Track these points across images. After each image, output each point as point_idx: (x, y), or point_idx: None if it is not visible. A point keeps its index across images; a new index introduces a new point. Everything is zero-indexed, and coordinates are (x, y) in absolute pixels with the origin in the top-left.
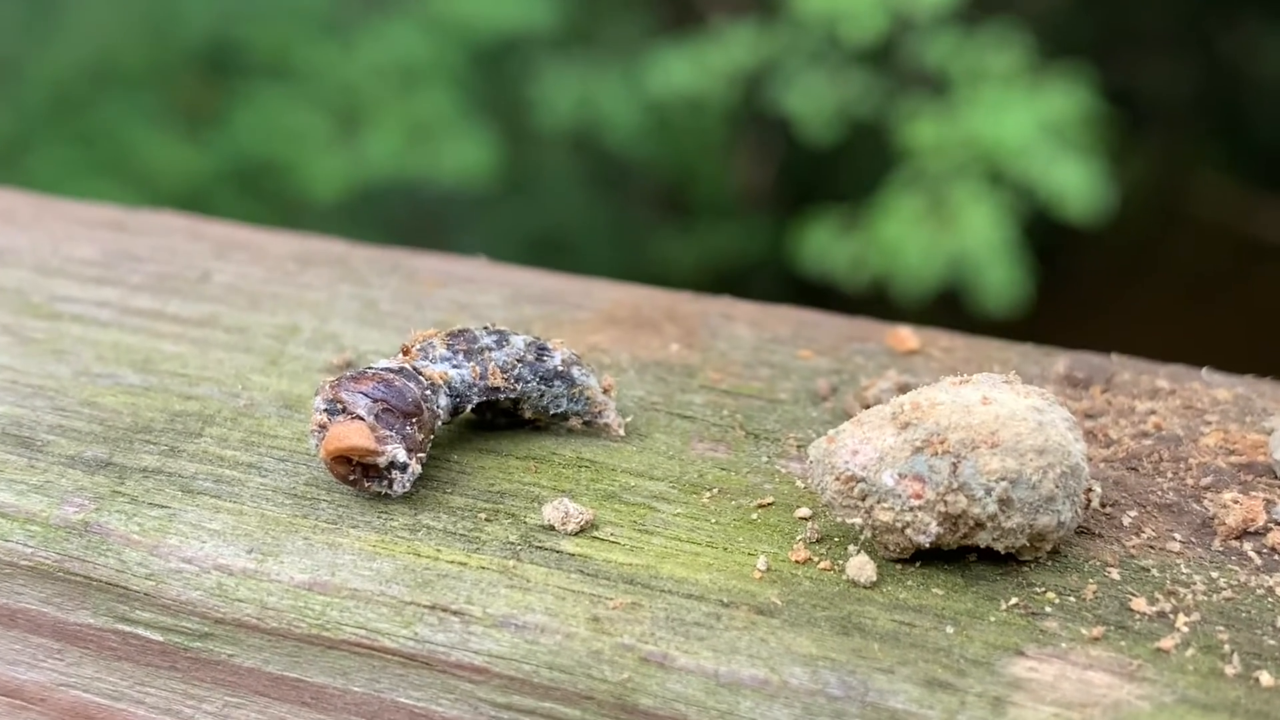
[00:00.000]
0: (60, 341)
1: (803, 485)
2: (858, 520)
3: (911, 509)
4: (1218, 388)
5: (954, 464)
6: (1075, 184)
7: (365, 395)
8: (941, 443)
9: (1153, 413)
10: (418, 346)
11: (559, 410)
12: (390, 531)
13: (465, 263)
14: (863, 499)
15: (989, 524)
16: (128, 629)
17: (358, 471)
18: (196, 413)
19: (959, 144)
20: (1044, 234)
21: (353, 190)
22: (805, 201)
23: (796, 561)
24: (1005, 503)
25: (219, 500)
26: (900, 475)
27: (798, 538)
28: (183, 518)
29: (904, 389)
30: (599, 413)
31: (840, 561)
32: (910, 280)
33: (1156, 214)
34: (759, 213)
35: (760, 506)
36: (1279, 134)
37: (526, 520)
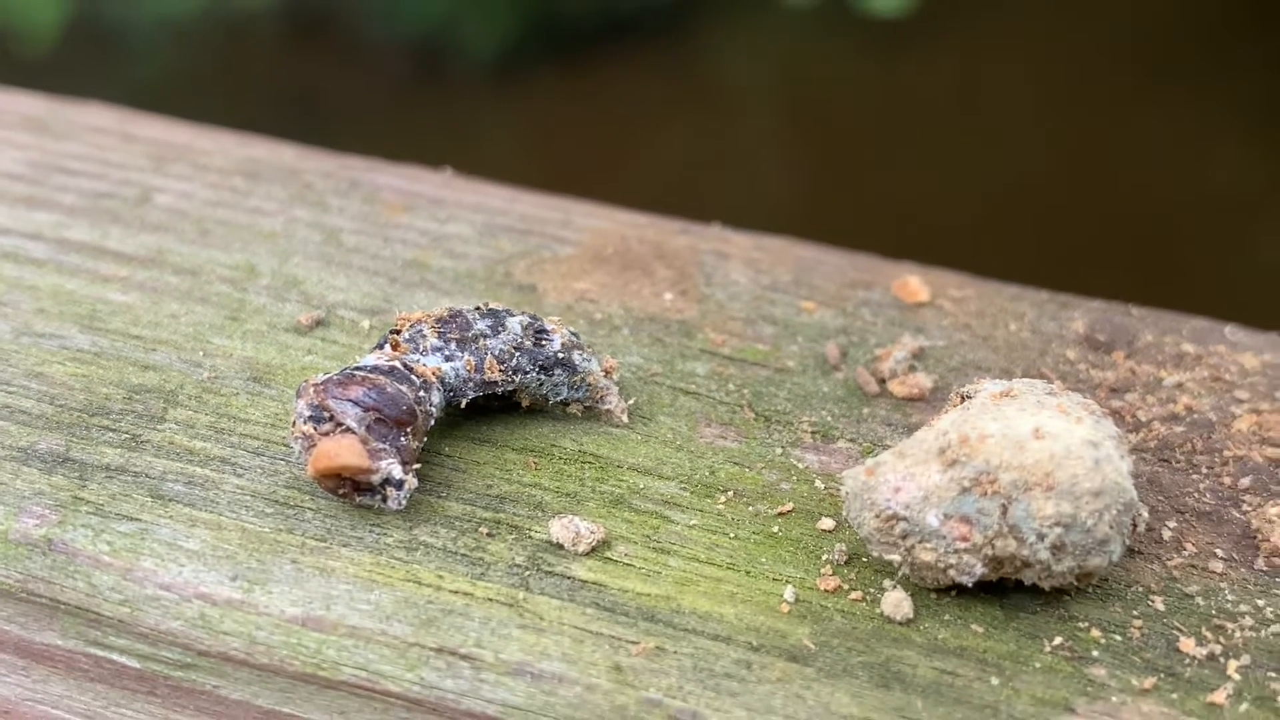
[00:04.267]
0: None
1: (823, 487)
2: (896, 558)
3: (957, 551)
4: (1244, 351)
5: (1004, 506)
6: None
7: (355, 404)
8: (992, 483)
9: (1180, 386)
10: (406, 336)
11: (559, 398)
12: (385, 551)
13: (430, 178)
14: (903, 538)
15: (1037, 565)
16: (101, 653)
17: (348, 486)
18: (156, 388)
19: None
20: None
21: None
22: None
23: (826, 591)
24: (1058, 548)
25: (193, 510)
26: (946, 516)
27: (824, 558)
28: (156, 534)
29: (919, 355)
30: (601, 398)
31: (872, 591)
32: None
33: None
34: None
35: (780, 515)
36: None
37: (532, 535)
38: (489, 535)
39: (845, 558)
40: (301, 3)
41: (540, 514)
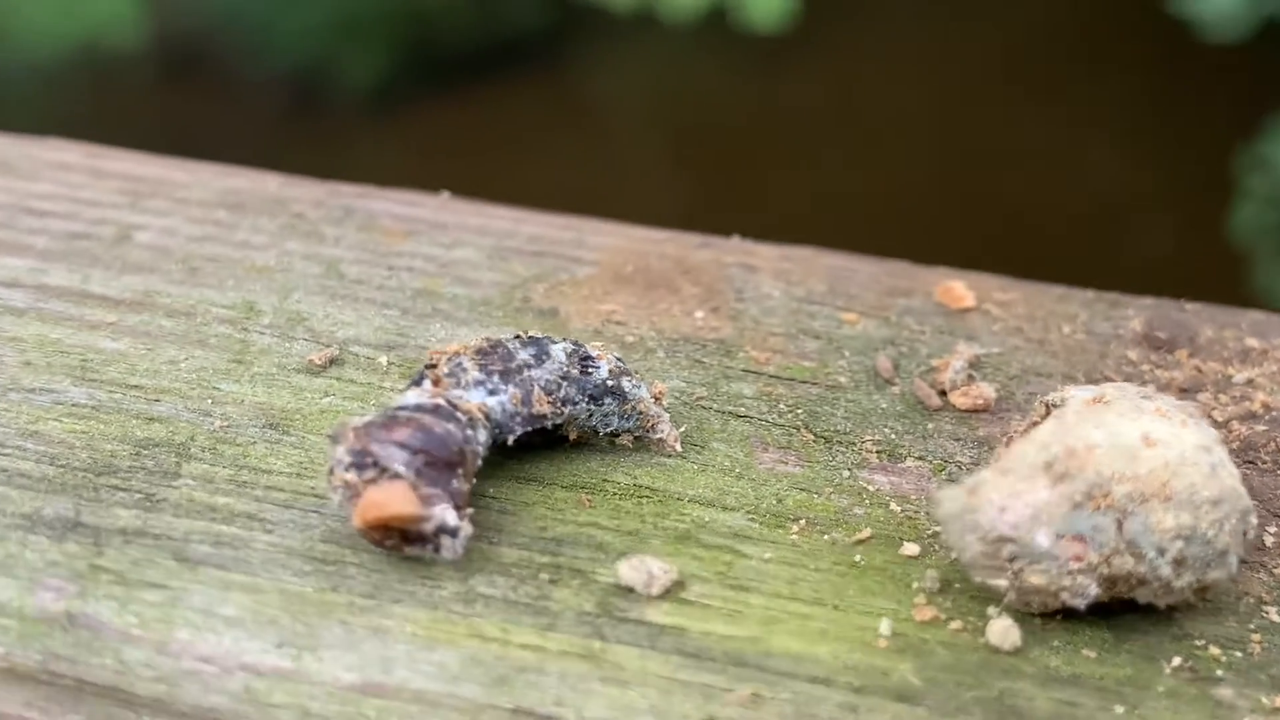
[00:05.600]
0: None
1: (899, 510)
2: (1002, 583)
3: (1070, 572)
4: None
5: (1119, 520)
6: None
7: (402, 447)
8: (1105, 496)
9: (1251, 383)
10: (446, 370)
11: (609, 429)
12: (442, 605)
13: (426, 201)
14: (1011, 560)
15: (1155, 583)
16: None
17: (396, 536)
18: (165, 441)
19: None
20: None
21: None
22: None
23: (923, 622)
24: (1179, 563)
25: (225, 572)
26: (1058, 535)
27: (914, 586)
28: (188, 601)
29: (975, 364)
30: (652, 427)
31: (972, 619)
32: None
33: None
34: None
35: (859, 543)
36: None
37: (597, 578)
38: (551, 582)
39: (938, 585)
40: (172, 42)
41: (603, 555)
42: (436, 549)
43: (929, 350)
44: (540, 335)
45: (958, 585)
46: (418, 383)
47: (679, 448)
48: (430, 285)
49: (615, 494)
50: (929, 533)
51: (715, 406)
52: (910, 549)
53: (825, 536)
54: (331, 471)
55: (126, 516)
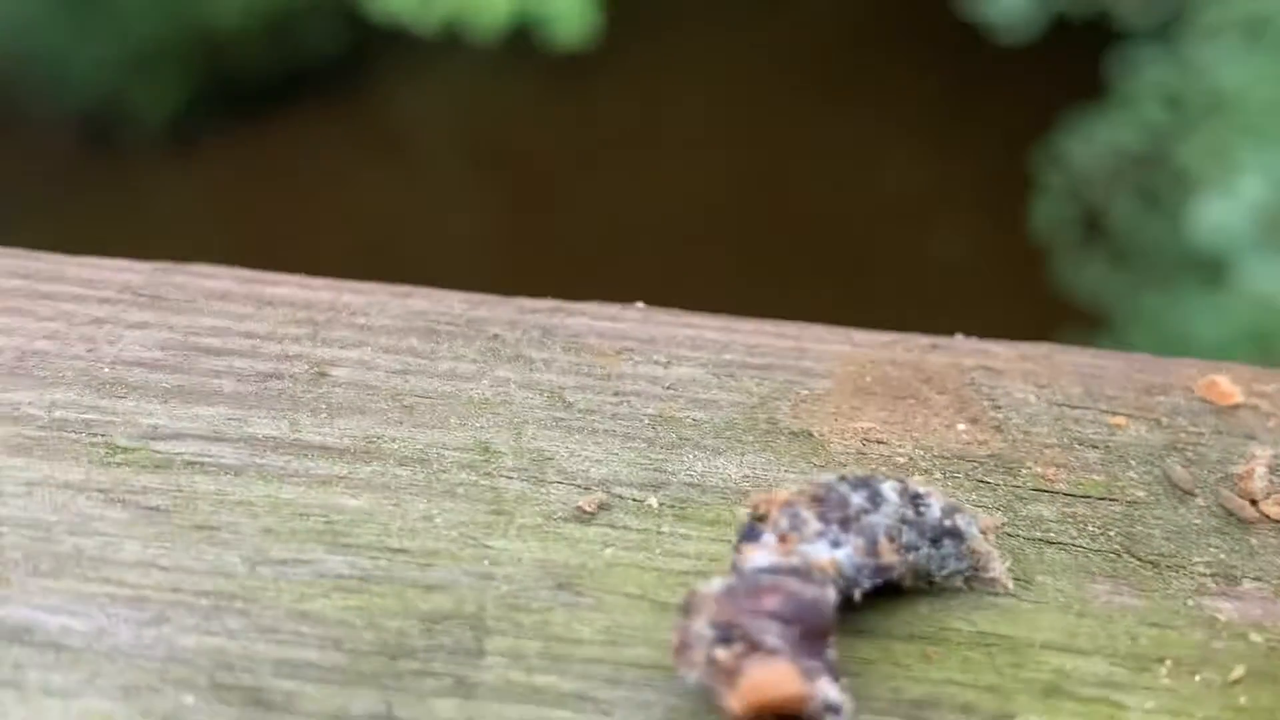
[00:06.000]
0: (195, 508)
1: (1261, 640)
2: None
3: None
4: None
5: None
6: None
7: (774, 618)
8: None
9: None
10: (786, 524)
11: (944, 572)
12: None
13: (629, 315)
14: None
15: None
16: None
17: (769, 717)
18: (454, 613)
19: None
20: None
21: None
22: None
23: None
24: None
25: None
26: None
27: None
28: None
29: (1275, 468)
30: (984, 565)
31: None
32: (483, 20)
33: None
34: None
35: (1235, 683)
36: None
37: None
38: None
39: None
40: None
41: (971, 717)
42: None
43: (1217, 455)
44: (866, 475)
45: None
46: (753, 538)
47: (1011, 586)
48: (665, 410)
49: (959, 644)
50: None
51: (1022, 534)
52: None
53: (1197, 678)
54: (688, 646)
55: (444, 707)
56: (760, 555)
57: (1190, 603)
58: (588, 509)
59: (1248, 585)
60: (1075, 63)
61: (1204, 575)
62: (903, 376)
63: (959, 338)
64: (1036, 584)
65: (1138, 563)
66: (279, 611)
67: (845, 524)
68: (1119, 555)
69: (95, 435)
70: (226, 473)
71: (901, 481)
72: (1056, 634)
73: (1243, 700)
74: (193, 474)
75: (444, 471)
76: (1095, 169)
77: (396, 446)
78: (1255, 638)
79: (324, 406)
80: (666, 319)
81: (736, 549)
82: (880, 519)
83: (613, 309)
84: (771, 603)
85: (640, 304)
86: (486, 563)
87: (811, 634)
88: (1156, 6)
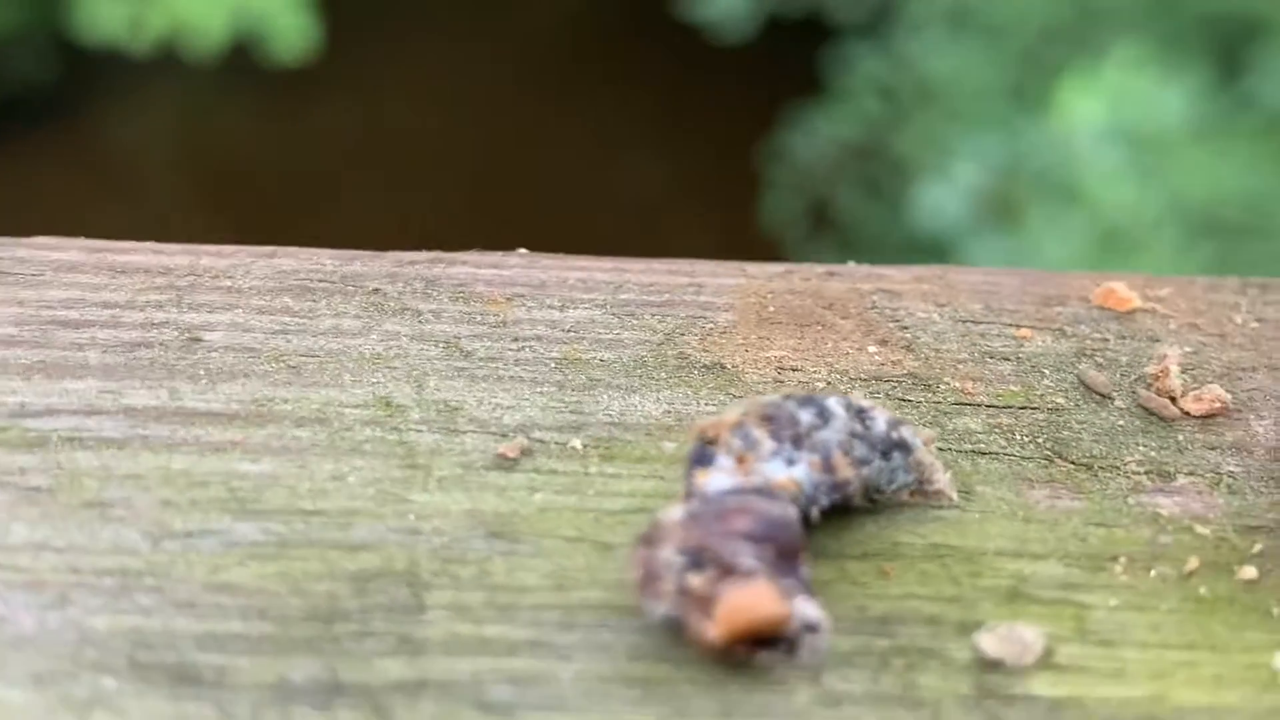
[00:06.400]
0: (81, 485)
1: (1208, 532)
2: None
3: None
4: None
5: None
6: None
7: (749, 539)
8: None
9: None
10: (740, 445)
11: (894, 486)
12: (806, 713)
13: (512, 261)
14: None
15: None
16: None
17: (747, 644)
18: (384, 571)
19: None
20: None
21: None
22: None
23: None
24: None
25: (550, 714)
26: None
27: (1275, 613)
28: None
29: (1188, 368)
30: (929, 478)
31: None
32: (198, 37)
33: None
34: None
35: (1191, 575)
36: None
37: (953, 656)
38: (908, 668)
39: None
40: None
41: (939, 629)
42: (792, 650)
43: (1126, 358)
44: (808, 393)
45: None
46: (706, 462)
47: (955, 497)
48: (569, 353)
49: (914, 558)
50: (1253, 552)
51: (954, 448)
52: (1248, 572)
53: (1152, 573)
54: (655, 578)
55: (394, 667)
56: (720, 478)
57: (1131, 501)
58: (510, 455)
59: (1182, 480)
60: (794, 60)
61: (1138, 474)
62: (804, 304)
63: (851, 265)
64: (977, 494)
65: (1071, 466)
66: (193, 585)
67: (798, 441)
68: (1051, 460)
69: None
70: (109, 447)
71: (845, 397)
72: (1007, 541)
73: (1202, 591)
74: (72, 450)
75: (346, 430)
76: (818, 162)
77: (290, 408)
78: (1201, 530)
79: (203, 373)
80: (552, 263)
81: (690, 475)
82: (831, 434)
83: (494, 256)
84: (742, 523)
85: (522, 250)
86: (412, 517)
87: (785, 552)
88: (864, 2)
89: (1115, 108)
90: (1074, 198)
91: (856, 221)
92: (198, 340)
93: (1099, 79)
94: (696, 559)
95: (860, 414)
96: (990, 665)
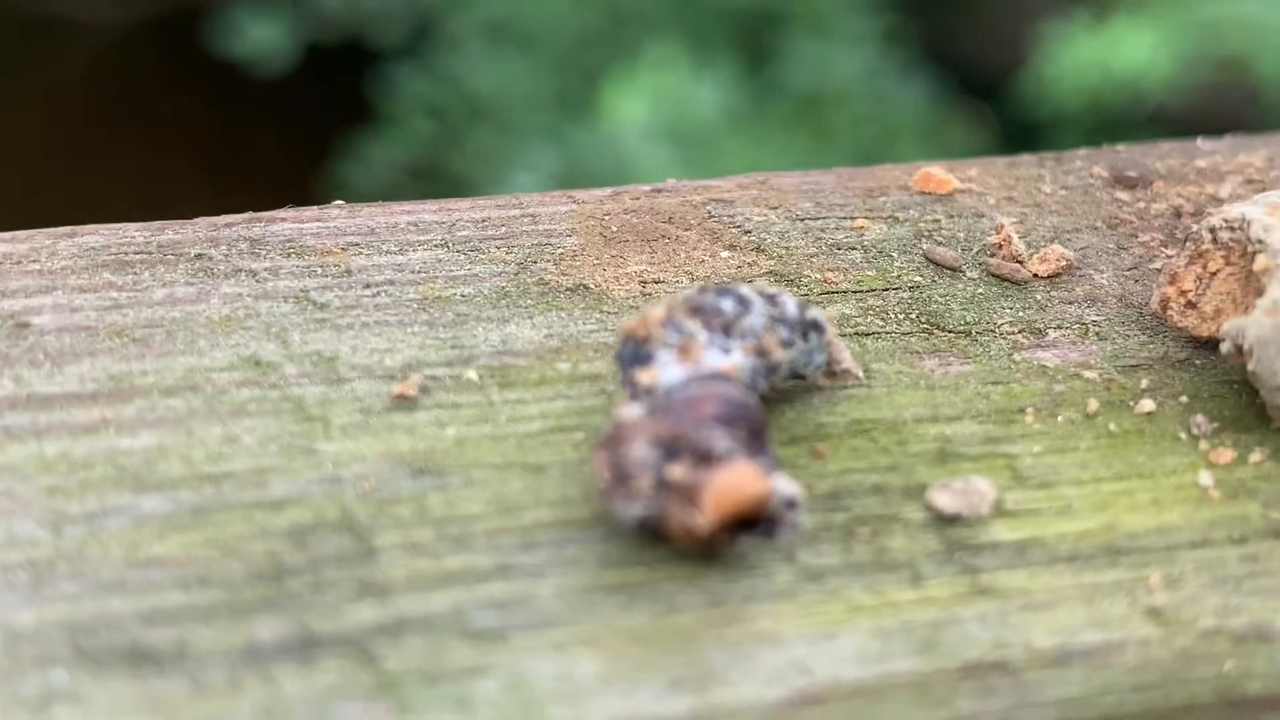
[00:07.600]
0: None
1: (1096, 376)
2: None
3: None
4: (1238, 154)
5: None
6: None
7: (721, 423)
8: None
9: (1237, 196)
10: (677, 338)
11: (811, 367)
12: (795, 595)
13: (335, 214)
14: None
15: None
16: None
17: (729, 529)
18: (320, 522)
19: None
20: None
21: None
22: None
23: (1229, 464)
24: None
25: (541, 632)
26: None
27: (1184, 437)
28: (536, 676)
29: (1024, 234)
30: (838, 357)
31: (1265, 448)
32: None
33: None
34: None
35: (1095, 415)
36: None
37: (911, 517)
38: (874, 534)
39: (1210, 427)
40: None
41: (888, 496)
42: (771, 530)
43: (962, 235)
44: (724, 284)
45: (1226, 418)
46: (644, 361)
47: (862, 375)
48: (428, 293)
49: (842, 435)
50: (1142, 388)
51: (838, 332)
52: (1145, 405)
53: (1060, 418)
54: (628, 478)
55: (366, 613)
56: (672, 370)
57: (1016, 358)
58: (410, 394)
59: (1054, 335)
60: (341, 87)
61: (1012, 333)
62: (644, 221)
63: (671, 181)
64: (875, 371)
65: (951, 335)
66: (115, 564)
67: (728, 330)
68: (930, 332)
69: None
70: None
71: (751, 285)
72: (920, 408)
73: (1111, 427)
74: None
75: (222, 393)
76: (377, 189)
77: (152, 380)
78: (1089, 375)
79: (43, 357)
80: (376, 210)
81: (629, 376)
82: (756, 320)
83: (312, 210)
84: (711, 408)
85: (339, 201)
86: (330, 466)
87: (754, 432)
88: (401, 24)
89: (655, 106)
90: None
91: None
92: (26, 326)
93: (637, 80)
94: (671, 449)
95: (771, 299)
96: (949, 520)
